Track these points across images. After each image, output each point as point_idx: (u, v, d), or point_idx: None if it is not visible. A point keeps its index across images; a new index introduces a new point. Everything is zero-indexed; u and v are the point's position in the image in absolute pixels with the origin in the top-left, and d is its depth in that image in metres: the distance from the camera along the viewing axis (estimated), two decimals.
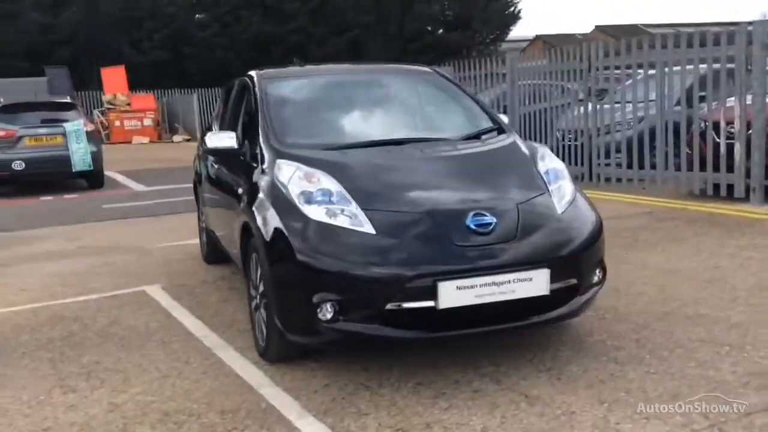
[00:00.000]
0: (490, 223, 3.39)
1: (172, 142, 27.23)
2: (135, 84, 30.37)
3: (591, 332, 4.03)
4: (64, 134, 12.38)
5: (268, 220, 3.58)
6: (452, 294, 3.22)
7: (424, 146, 4.19)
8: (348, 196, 3.53)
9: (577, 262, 3.53)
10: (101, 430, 3.18)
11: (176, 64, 35.15)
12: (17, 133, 12.24)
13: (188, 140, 27.04)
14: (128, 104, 28.48)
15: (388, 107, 4.79)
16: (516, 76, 11.16)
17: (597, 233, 3.69)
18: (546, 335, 3.95)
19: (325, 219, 3.42)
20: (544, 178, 3.83)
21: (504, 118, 4.77)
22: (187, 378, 3.72)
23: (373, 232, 3.36)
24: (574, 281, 3.52)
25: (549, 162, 4.00)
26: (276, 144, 4.10)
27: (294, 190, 3.60)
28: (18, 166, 12.02)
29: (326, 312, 3.28)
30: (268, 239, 3.53)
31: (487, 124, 4.56)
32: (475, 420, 3.07)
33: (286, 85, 4.79)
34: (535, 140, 10.49)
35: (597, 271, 3.68)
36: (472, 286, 3.24)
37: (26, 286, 5.90)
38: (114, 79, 28.69)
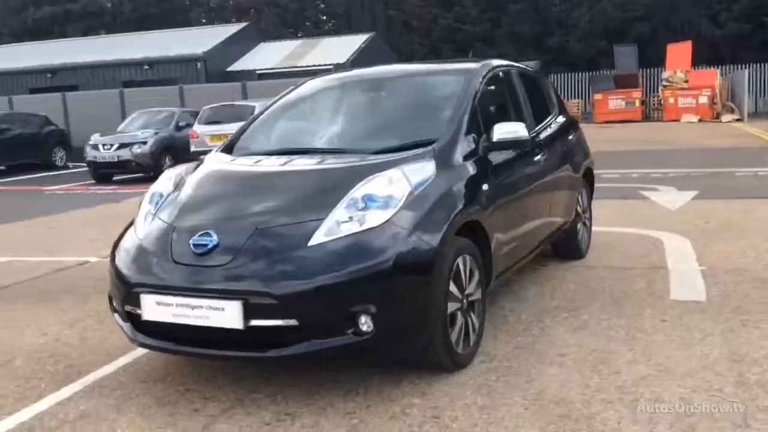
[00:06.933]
0: (207, 245, 3.36)
1: (719, 121, 25.01)
2: (706, 59, 29.03)
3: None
4: None
5: None
6: (153, 308, 3.37)
7: (312, 158, 4.06)
8: (161, 201, 3.86)
9: (296, 302, 3.17)
10: None
11: (757, 35, 32.00)
12: None
13: (738, 120, 24.84)
14: (685, 81, 27.47)
15: (357, 115, 4.72)
16: None
17: (367, 276, 3.19)
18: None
19: (138, 219, 3.84)
20: (341, 204, 3.40)
21: (512, 128, 4.14)
22: (108, 329, 4.44)
23: (141, 237, 3.65)
24: (293, 322, 3.16)
25: (375, 187, 3.48)
26: (228, 144, 4.61)
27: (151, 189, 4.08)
28: None
29: (117, 307, 3.69)
30: None
31: (445, 135, 4.00)
32: None
33: (308, 89, 5.11)
34: None
35: (357, 319, 3.17)
36: (168, 304, 3.32)
37: None
38: (678, 55, 27.84)
